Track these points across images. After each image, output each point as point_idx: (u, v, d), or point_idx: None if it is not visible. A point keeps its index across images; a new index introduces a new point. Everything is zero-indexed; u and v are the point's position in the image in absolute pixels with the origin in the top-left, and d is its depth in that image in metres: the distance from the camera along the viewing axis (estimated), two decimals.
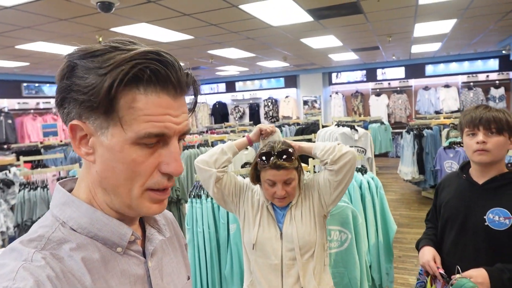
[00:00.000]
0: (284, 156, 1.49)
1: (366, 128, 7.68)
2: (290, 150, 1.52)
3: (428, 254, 1.57)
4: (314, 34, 5.92)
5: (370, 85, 11.13)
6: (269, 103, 12.13)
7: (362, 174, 2.73)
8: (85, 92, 0.58)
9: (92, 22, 4.39)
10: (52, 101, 9.49)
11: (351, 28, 5.69)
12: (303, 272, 1.52)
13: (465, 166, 1.62)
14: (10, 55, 6.20)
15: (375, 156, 9.54)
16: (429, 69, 10.45)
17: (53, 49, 5.78)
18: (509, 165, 1.62)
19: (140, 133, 0.60)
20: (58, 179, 3.35)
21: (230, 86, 12.72)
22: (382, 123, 8.29)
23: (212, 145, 5.65)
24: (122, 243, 0.66)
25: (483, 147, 1.43)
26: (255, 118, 12.25)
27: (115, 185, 0.63)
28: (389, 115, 10.80)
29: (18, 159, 4.34)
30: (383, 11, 4.68)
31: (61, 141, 8.09)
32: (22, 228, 3.05)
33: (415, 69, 10.53)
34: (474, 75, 10.04)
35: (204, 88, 13.17)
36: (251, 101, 12.52)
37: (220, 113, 12.75)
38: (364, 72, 11.07)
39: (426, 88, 10.50)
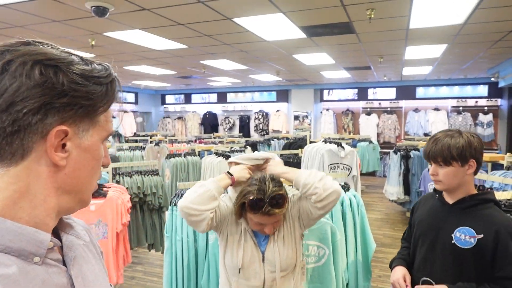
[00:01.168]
0: (277, 203, 1.46)
1: (354, 146, 7.74)
2: (281, 192, 1.48)
3: (399, 272, 1.63)
4: (307, 50, 6.01)
5: (361, 104, 11.27)
6: (260, 116, 12.17)
7: (345, 191, 2.74)
8: (90, 98, 0.64)
9: (86, 25, 4.39)
10: None
11: (343, 47, 5.79)
12: None
13: None
14: None
15: (362, 174, 9.63)
16: (420, 91, 10.63)
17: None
18: (480, 187, 1.67)
19: (109, 131, 0.70)
20: None
21: (222, 97, 12.75)
22: (370, 142, 8.38)
23: (199, 155, 5.63)
24: (40, 252, 0.61)
25: (434, 178, 1.55)
26: (245, 130, 12.27)
27: (83, 182, 0.68)
28: (378, 135, 10.92)
29: None
30: (375, 32, 4.78)
31: None
32: None
33: (406, 90, 10.71)
34: (463, 100, 10.25)
35: (195, 98, 13.18)
36: (241, 113, 12.55)
37: (210, 123, 12.74)
38: (356, 90, 11.22)
39: (416, 110, 10.66)
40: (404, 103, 10.90)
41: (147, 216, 3.63)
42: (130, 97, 12.55)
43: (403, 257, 1.73)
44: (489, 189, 1.65)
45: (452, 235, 1.49)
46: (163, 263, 2.48)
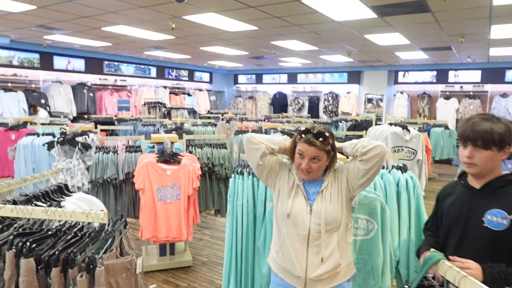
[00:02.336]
0: (319, 138, 1.69)
1: (428, 131, 7.41)
2: (326, 134, 1.72)
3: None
4: (379, 30, 5.86)
5: (440, 87, 10.58)
6: (330, 98, 12.06)
7: (402, 173, 2.78)
8: None
9: (167, 10, 4.82)
10: (128, 79, 10.42)
11: (418, 27, 5.54)
12: (324, 245, 1.72)
13: (464, 173, 1.67)
14: (96, 36, 6.96)
15: (436, 162, 9.16)
16: (510, 74, 9.65)
17: (132, 32, 6.40)
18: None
19: None
20: (126, 147, 3.84)
21: (292, 78, 12.84)
22: (446, 127, 7.94)
23: (266, 133, 5.90)
24: None
25: (470, 161, 1.51)
26: (314, 111, 12.28)
27: None
28: (457, 121, 10.20)
29: (96, 127, 4.99)
30: (452, 10, 4.52)
31: (132, 116, 8.91)
32: (94, 184, 3.59)
33: (494, 73, 9.79)
34: None
35: (266, 78, 13.44)
36: (311, 94, 12.54)
37: (279, 103, 12.95)
38: (435, 73, 10.54)
39: (504, 95, 9.74)
40: (490, 87, 10.00)
41: (214, 184, 4.02)
42: (205, 76, 13.25)
43: (430, 243, 1.72)
44: None
45: (483, 219, 1.49)
46: None
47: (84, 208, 1.61)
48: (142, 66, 10.87)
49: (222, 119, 7.78)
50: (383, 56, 8.98)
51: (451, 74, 10.36)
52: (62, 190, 1.74)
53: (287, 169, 1.87)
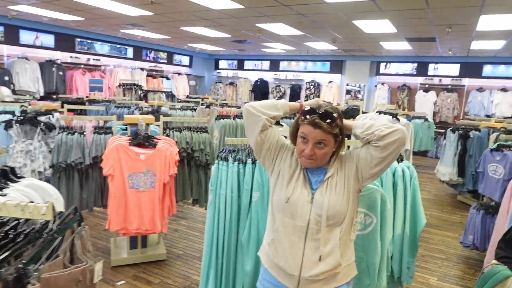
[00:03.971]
0: (326, 119, 1.43)
1: None
2: (335, 115, 1.46)
3: None
4: (369, 16, 5.65)
5: (420, 80, 10.60)
6: (311, 86, 11.89)
7: (398, 162, 2.59)
8: None
9: None
10: (102, 58, 9.84)
11: (409, 14, 5.37)
12: (324, 240, 1.48)
13: None
14: (67, 8, 6.42)
15: (414, 153, 9.18)
16: (487, 69, 9.75)
17: (107, 5, 5.92)
18: None
19: None
20: (95, 128, 3.47)
21: (274, 65, 12.58)
22: (426, 119, 7.92)
23: None
24: None
25: None
26: (295, 99, 12.07)
27: None
28: (434, 113, 10.28)
29: (62, 107, 4.56)
30: None
31: (105, 97, 8.40)
32: (56, 169, 3.21)
33: (471, 67, 9.87)
34: None
35: (248, 64, 13.11)
36: (293, 82, 12.33)
37: (260, 90, 12.68)
38: (415, 65, 10.54)
39: (480, 89, 9.84)
40: (467, 81, 10.09)
41: (193, 171, 3.72)
42: (185, 60, 12.76)
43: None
44: None
45: None
46: (206, 218, 2.54)
47: (33, 197, 1.29)
48: (118, 46, 10.29)
49: (202, 104, 7.45)
50: (367, 45, 8.83)
51: (431, 67, 10.38)
52: (7, 175, 1.41)
53: (290, 152, 1.62)
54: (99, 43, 9.78)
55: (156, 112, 5.43)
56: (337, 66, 11.55)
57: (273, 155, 1.61)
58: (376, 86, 11.16)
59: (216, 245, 2.44)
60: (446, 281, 3.52)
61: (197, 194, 3.80)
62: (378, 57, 10.89)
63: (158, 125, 3.61)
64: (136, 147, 2.94)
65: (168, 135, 3.55)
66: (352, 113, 5.44)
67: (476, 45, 7.82)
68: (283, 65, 12.43)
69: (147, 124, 3.28)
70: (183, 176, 3.67)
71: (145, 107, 5.96)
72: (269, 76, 12.77)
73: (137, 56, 10.88)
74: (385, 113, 4.13)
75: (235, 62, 13.36)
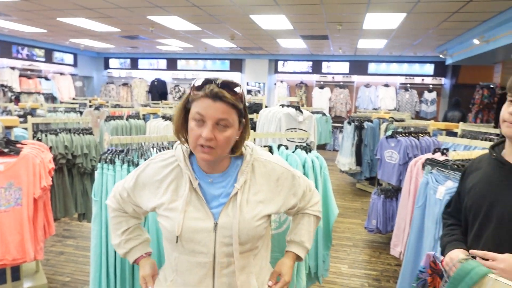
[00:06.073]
0: (229, 87, 1.08)
1: None
2: (237, 83, 1.12)
3: (456, 250, 1.22)
4: (265, 10, 5.59)
5: (315, 77, 11.17)
6: None
7: (307, 153, 2.46)
8: None
9: None
10: None
11: (303, 9, 5.45)
12: (240, 272, 1.14)
13: (498, 144, 1.29)
14: None
15: None
16: (372, 67, 10.71)
17: None
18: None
19: None
20: None
21: (172, 64, 12.00)
22: (323, 114, 8.28)
23: (144, 119, 5.09)
24: None
25: None
26: None
27: None
28: (330, 109, 10.94)
29: None
30: None
31: None
32: None
33: (359, 65, 10.74)
34: (411, 77, 10.51)
35: (143, 63, 12.28)
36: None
37: (158, 91, 11.98)
38: (310, 63, 11.06)
39: (367, 85, 10.77)
40: (356, 78, 10.96)
41: (77, 181, 3.11)
42: (68, 58, 11.35)
43: (457, 238, 1.31)
44: None
45: None
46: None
47: None
48: None
49: (90, 106, 6.62)
50: (265, 43, 8.91)
51: (324, 65, 11.01)
52: None
53: (168, 169, 1.19)
54: None
55: (30, 116, 4.56)
56: (236, 64, 11.51)
57: (145, 198, 1.23)
58: (275, 84, 11.43)
59: (106, 268, 1.98)
60: (356, 267, 3.57)
61: (83, 208, 3.19)
62: (276, 55, 11.16)
63: (27, 129, 2.93)
64: None
65: (39, 139, 2.89)
66: (255, 107, 5.33)
67: (363, 43, 8.45)
68: (181, 64, 11.94)
69: (9, 127, 2.61)
70: (64, 188, 3.04)
71: (16, 111, 5.00)
72: (167, 76, 12.15)
73: (5, 53, 9.24)
74: (288, 106, 4.06)
75: (128, 61, 12.39)
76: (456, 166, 1.99)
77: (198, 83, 1.10)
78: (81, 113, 6.00)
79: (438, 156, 2.58)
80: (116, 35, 8.47)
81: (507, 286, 0.67)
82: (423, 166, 2.28)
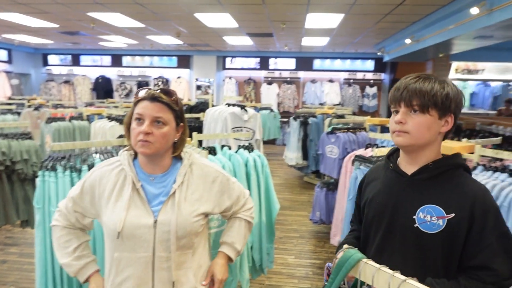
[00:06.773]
0: (165, 92, 1.26)
1: None
2: (175, 93, 1.30)
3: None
4: (209, 9, 5.64)
5: (263, 73, 11.38)
6: (160, 83, 11.45)
7: (249, 152, 2.60)
8: None
9: None
10: None
11: (247, 8, 5.57)
12: (177, 266, 1.27)
13: (393, 153, 1.29)
14: None
15: (263, 142, 9.83)
16: (317, 63, 11.13)
17: None
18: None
19: None
20: None
21: (116, 60, 11.61)
22: (271, 110, 8.51)
23: (88, 120, 4.96)
24: None
25: (400, 128, 1.14)
26: None
27: None
28: (278, 104, 11.22)
29: None
30: None
31: None
32: None
33: (305, 62, 11.10)
34: (353, 73, 11.08)
35: (86, 60, 11.76)
36: (139, 79, 11.64)
37: (103, 88, 11.55)
38: (258, 59, 11.25)
39: (313, 81, 11.16)
40: (302, 74, 11.32)
41: (18, 188, 3.02)
42: (1, 54, 10.59)
43: (347, 241, 1.36)
44: (456, 153, 1.24)
45: (414, 217, 1.13)
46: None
47: None
48: None
49: (29, 106, 6.27)
50: (212, 40, 8.94)
51: (271, 61, 11.25)
52: None
53: (113, 172, 1.31)
54: None
55: None
56: (184, 61, 11.41)
57: (94, 204, 1.34)
58: (224, 80, 11.48)
59: (52, 273, 1.99)
60: (302, 257, 3.79)
61: (26, 215, 3.11)
62: (224, 52, 11.20)
63: None
64: None
65: None
66: (202, 107, 5.39)
67: (306, 41, 8.77)
68: (126, 60, 11.59)
69: None
70: (3, 196, 2.94)
71: None
72: (112, 73, 11.74)
73: None
74: (233, 105, 4.18)
75: (69, 57, 11.80)
76: (379, 162, 2.23)
77: (141, 92, 1.26)
78: (18, 114, 5.69)
79: (369, 152, 2.85)
80: (54, 31, 8.06)
81: (374, 268, 0.85)
82: (353, 162, 2.51)
